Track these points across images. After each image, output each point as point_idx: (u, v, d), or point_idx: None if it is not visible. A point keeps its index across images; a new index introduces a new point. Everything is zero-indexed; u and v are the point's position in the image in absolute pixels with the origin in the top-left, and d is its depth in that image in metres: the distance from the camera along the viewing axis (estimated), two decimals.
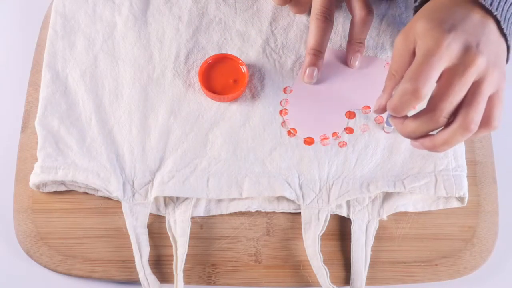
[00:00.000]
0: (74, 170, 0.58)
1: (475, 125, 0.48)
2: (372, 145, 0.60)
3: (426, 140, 0.51)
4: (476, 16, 0.49)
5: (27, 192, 0.60)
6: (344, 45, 0.63)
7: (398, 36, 0.51)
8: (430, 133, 0.50)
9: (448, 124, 0.49)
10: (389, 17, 0.65)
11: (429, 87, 0.47)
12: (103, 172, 0.58)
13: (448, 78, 0.47)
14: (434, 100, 0.48)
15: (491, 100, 0.49)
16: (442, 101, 0.48)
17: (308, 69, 0.61)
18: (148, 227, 0.58)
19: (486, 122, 0.49)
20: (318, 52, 0.60)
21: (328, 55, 0.63)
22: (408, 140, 0.59)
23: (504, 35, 0.51)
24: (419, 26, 0.49)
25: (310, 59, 0.60)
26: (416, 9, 0.55)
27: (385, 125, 0.60)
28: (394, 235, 0.59)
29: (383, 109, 0.53)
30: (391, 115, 0.51)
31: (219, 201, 0.59)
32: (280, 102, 0.62)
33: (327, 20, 0.59)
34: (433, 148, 0.51)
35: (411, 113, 0.50)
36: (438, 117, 0.48)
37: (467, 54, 0.47)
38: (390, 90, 0.52)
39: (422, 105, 0.49)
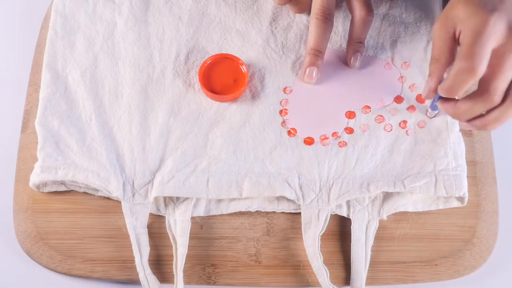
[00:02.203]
0: (74, 170, 0.58)
1: None
2: (372, 145, 0.60)
3: (476, 121, 0.53)
4: None
5: (27, 192, 0.60)
6: (344, 45, 0.63)
7: (435, 23, 0.53)
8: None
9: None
10: (389, 17, 0.65)
11: (484, 64, 0.49)
12: (103, 172, 0.58)
13: (498, 57, 0.49)
14: (486, 80, 0.50)
15: None
16: (495, 80, 0.49)
17: (308, 69, 0.61)
18: (148, 227, 0.58)
19: None
20: (318, 52, 0.60)
21: (328, 55, 0.63)
22: (408, 140, 0.60)
23: None
24: (459, 11, 0.50)
25: (310, 59, 0.60)
26: None
27: (430, 110, 0.60)
28: (394, 235, 0.59)
29: (434, 92, 0.55)
30: (440, 99, 0.54)
31: (219, 201, 0.59)
32: (280, 102, 0.62)
33: (327, 20, 0.59)
34: (484, 127, 0.53)
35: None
36: (493, 96, 0.50)
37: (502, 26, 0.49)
38: (437, 74, 0.54)
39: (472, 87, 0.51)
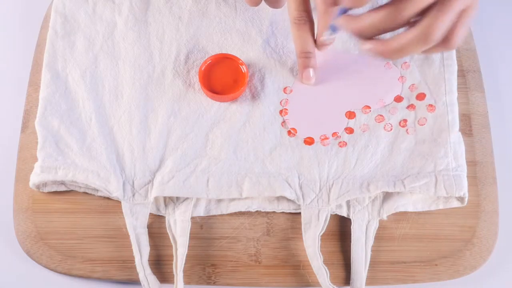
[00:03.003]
0: (74, 170, 0.58)
1: (436, 36, 0.46)
2: (372, 145, 0.60)
3: (379, 43, 0.49)
4: None
5: (27, 192, 0.60)
6: (343, 44, 0.63)
7: None
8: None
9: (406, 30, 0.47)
10: None
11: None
12: (103, 172, 0.58)
13: None
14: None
15: (459, 16, 0.47)
16: (401, 1, 0.46)
17: (303, 72, 0.61)
18: (148, 227, 0.58)
19: (446, 37, 0.47)
20: (307, 54, 0.60)
21: (327, 55, 0.63)
22: (409, 139, 0.60)
23: None
24: None
25: (302, 61, 0.60)
26: None
27: (329, 31, 0.55)
28: (394, 235, 0.59)
29: (333, 3, 0.51)
30: (342, 14, 0.49)
31: (219, 201, 0.59)
32: (280, 102, 0.62)
33: (306, 21, 0.59)
34: (384, 54, 0.49)
35: None
36: (399, 13, 0.46)
37: None
38: None
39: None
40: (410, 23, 0.47)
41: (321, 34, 0.57)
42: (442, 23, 0.46)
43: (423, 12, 0.46)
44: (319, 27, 0.57)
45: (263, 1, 0.58)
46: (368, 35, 0.49)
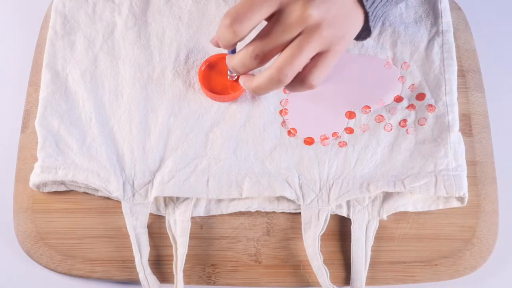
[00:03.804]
0: (74, 170, 0.58)
1: (285, 77, 0.48)
2: (372, 145, 0.60)
3: (245, 79, 0.52)
4: None
5: (27, 192, 0.60)
6: None
7: None
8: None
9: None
10: (389, 17, 0.65)
11: (245, 26, 0.47)
12: (103, 172, 0.58)
13: (272, 19, 0.48)
14: (258, 36, 0.49)
15: (317, 57, 0.49)
16: (261, 39, 0.48)
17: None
18: (148, 227, 0.58)
19: (302, 78, 0.49)
20: None
21: None
22: (409, 139, 0.60)
23: (361, 3, 0.50)
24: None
25: None
26: None
27: (229, 71, 0.59)
28: (394, 235, 0.59)
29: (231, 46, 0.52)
30: (228, 55, 0.53)
31: (219, 201, 0.59)
32: (280, 102, 0.62)
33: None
34: (249, 90, 0.52)
35: None
36: (259, 51, 0.48)
37: (296, 2, 0.47)
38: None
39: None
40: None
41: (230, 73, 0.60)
42: (290, 65, 0.48)
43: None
44: None
45: None
46: (240, 72, 0.52)
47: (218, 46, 0.52)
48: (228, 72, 0.60)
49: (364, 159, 0.59)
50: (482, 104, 0.64)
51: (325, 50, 0.49)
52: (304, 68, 0.49)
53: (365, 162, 0.59)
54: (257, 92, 0.52)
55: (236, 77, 0.60)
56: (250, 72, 0.54)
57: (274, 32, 0.48)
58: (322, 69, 0.50)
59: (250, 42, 0.50)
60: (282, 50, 0.49)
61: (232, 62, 0.52)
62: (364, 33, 0.55)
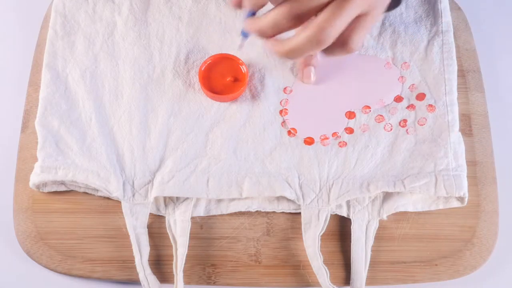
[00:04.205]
0: (74, 170, 0.58)
1: (327, 38, 0.46)
2: (372, 145, 0.60)
3: (276, 43, 0.49)
4: None
5: (27, 192, 0.60)
6: None
7: None
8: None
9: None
10: (389, 17, 0.65)
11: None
12: (103, 172, 0.58)
13: None
14: None
15: (357, 20, 0.47)
16: None
17: (304, 70, 0.61)
18: (148, 227, 0.58)
19: (342, 41, 0.47)
20: None
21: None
22: (409, 139, 0.60)
23: None
24: None
25: (303, 60, 0.60)
26: None
27: (241, 38, 0.54)
28: (394, 235, 0.59)
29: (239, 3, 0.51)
30: (247, 18, 0.50)
31: (219, 201, 0.59)
32: (280, 102, 0.62)
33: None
34: (280, 53, 0.49)
35: None
36: (294, 11, 0.46)
37: None
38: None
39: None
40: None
41: (241, 41, 0.56)
42: (332, 25, 0.45)
43: (319, 12, 0.46)
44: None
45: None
46: (268, 35, 0.49)
47: (238, 6, 0.50)
48: (242, 37, 0.54)
49: (364, 159, 0.59)
50: (482, 104, 0.64)
51: (365, 13, 0.47)
52: (344, 31, 0.47)
53: (365, 162, 0.59)
54: (291, 55, 0.49)
55: (242, 43, 0.54)
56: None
57: None
58: (362, 32, 0.48)
59: (284, 2, 0.46)
60: (317, 13, 0.46)
61: (259, 24, 0.48)
62: (393, 3, 0.52)
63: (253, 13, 0.51)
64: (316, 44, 0.46)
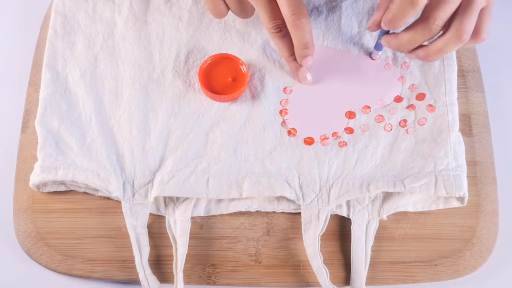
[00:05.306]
0: (74, 170, 0.58)
1: (467, 35, 0.52)
2: (372, 145, 0.60)
3: (420, 50, 0.56)
4: None
5: (27, 192, 0.60)
6: (328, 42, 0.63)
7: None
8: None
9: (441, 35, 0.54)
10: None
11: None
12: (103, 172, 0.58)
13: None
14: (428, 9, 0.52)
15: (482, 13, 0.53)
16: (436, 9, 0.52)
17: (298, 73, 0.61)
18: (148, 227, 0.58)
19: (476, 33, 0.54)
20: (294, 57, 0.60)
21: (327, 55, 0.63)
22: (409, 139, 0.60)
23: None
24: None
25: (294, 64, 0.60)
26: None
27: (374, 51, 0.62)
28: (394, 235, 0.59)
29: (378, 25, 0.57)
30: (384, 35, 0.57)
31: (219, 201, 0.59)
32: (280, 102, 0.62)
33: (281, 30, 0.58)
34: (427, 57, 0.56)
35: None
36: (431, 25, 0.52)
37: None
38: (384, 6, 0.56)
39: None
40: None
41: (375, 54, 0.63)
42: (468, 24, 0.52)
43: (450, 19, 0.53)
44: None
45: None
46: (408, 49, 0.56)
47: (376, 28, 0.57)
48: (374, 51, 0.62)
49: (364, 159, 0.59)
50: (482, 104, 0.64)
51: (485, 5, 0.53)
52: (476, 25, 0.53)
53: (365, 162, 0.59)
54: (436, 56, 0.55)
55: (379, 56, 0.62)
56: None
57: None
58: (489, 22, 0.54)
59: (419, 22, 0.53)
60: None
61: (399, 41, 0.55)
62: None
63: (387, 31, 0.58)
64: (458, 42, 0.53)
